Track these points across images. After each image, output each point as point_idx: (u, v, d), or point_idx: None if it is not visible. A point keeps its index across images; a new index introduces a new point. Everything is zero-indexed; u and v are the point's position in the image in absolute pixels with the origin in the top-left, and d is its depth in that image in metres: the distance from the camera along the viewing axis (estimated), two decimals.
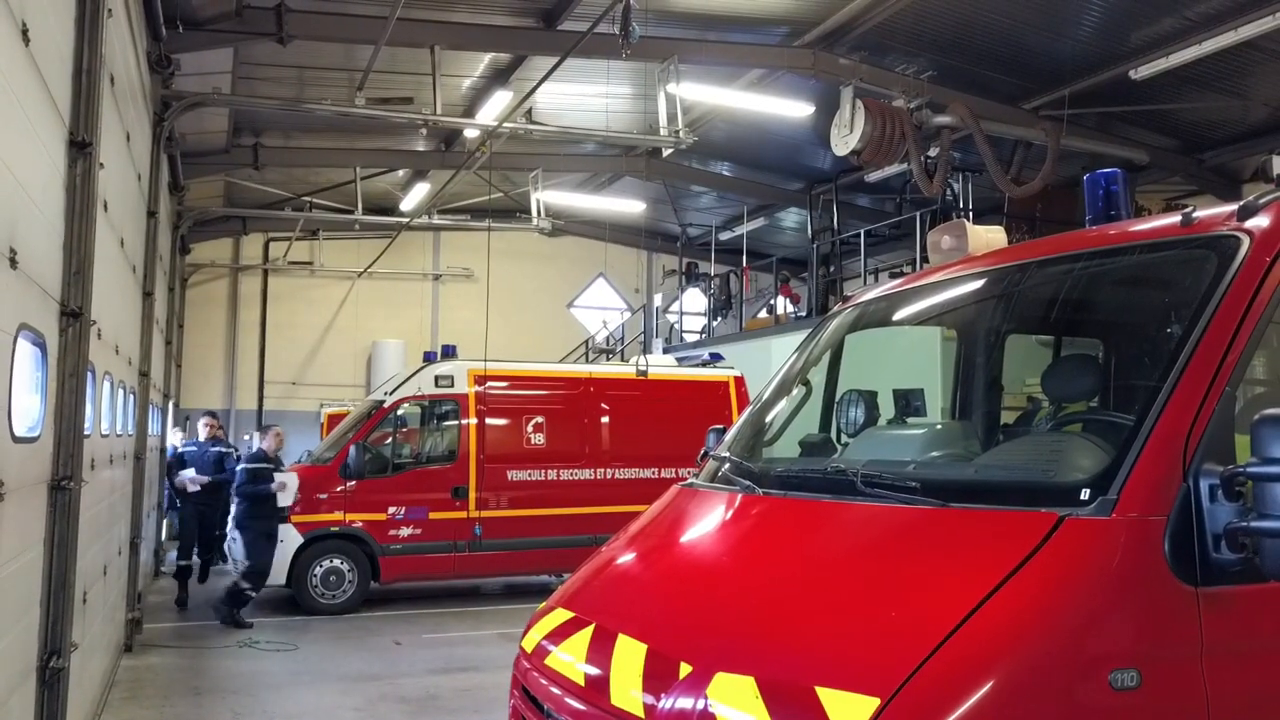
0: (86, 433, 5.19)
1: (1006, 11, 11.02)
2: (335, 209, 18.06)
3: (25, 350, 3.99)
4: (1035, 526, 2.29)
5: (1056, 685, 2.10)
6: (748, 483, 3.31)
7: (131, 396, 8.93)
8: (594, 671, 2.75)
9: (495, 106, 12.71)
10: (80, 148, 4.85)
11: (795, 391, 4.13)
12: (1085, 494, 2.33)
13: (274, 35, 10.55)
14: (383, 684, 8.18)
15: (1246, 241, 2.61)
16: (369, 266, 20.69)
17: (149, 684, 8.05)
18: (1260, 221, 2.67)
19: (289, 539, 11.19)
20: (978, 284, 3.66)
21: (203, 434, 12.37)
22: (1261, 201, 2.73)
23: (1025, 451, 3.17)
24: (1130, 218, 3.51)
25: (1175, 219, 2.93)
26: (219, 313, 20.82)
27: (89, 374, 5.23)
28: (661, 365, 14.38)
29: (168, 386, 14.37)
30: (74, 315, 4.75)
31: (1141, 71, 11.19)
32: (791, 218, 20.52)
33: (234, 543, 11.54)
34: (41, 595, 4.50)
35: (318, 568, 11.35)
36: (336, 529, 11.40)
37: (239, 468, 11.01)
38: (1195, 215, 2.87)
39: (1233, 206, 2.78)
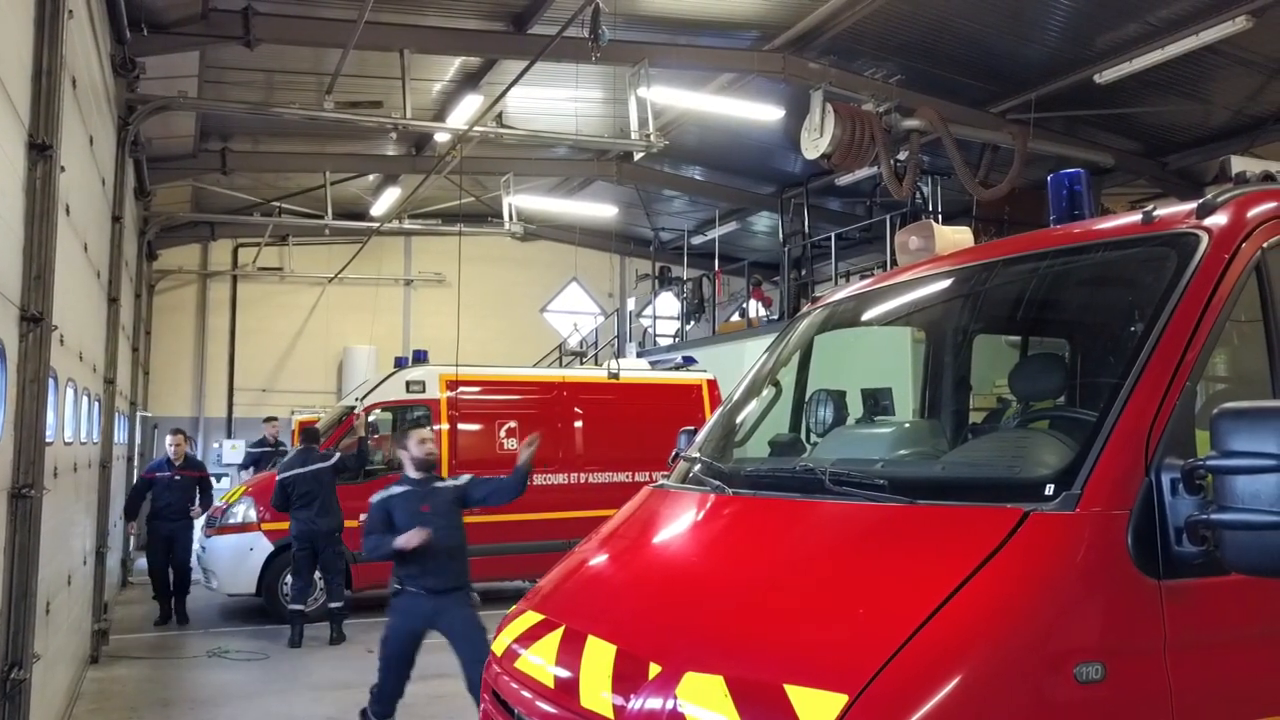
0: (49, 440, 5.11)
1: (974, 16, 11.14)
2: (305, 214, 17.91)
3: None
4: (1000, 522, 2.31)
5: (1022, 679, 2.11)
6: (718, 483, 3.30)
7: (97, 404, 8.80)
8: (564, 673, 2.74)
9: (466, 110, 12.66)
10: (40, 150, 4.79)
11: (765, 392, 4.14)
12: (1050, 489, 2.35)
13: (241, 39, 10.45)
14: (355, 692, 8.07)
15: (1205, 239, 2.65)
16: (339, 272, 20.54)
17: (115, 695, 7.93)
18: (1219, 219, 2.71)
19: (259, 548, 11.07)
20: (945, 283, 3.69)
21: (171, 452, 11.31)
22: (1219, 199, 2.77)
23: (991, 448, 3.20)
24: (1094, 217, 3.55)
25: (1136, 217, 2.97)
26: (187, 319, 20.56)
27: (50, 380, 5.15)
28: (635, 369, 14.36)
29: (135, 394, 14.17)
30: (34, 320, 4.68)
31: (1106, 75, 11.35)
32: (763, 221, 20.61)
33: (203, 552, 11.43)
34: (2, 605, 4.42)
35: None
36: None
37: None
38: (1156, 214, 2.91)
39: (1192, 204, 2.82)
